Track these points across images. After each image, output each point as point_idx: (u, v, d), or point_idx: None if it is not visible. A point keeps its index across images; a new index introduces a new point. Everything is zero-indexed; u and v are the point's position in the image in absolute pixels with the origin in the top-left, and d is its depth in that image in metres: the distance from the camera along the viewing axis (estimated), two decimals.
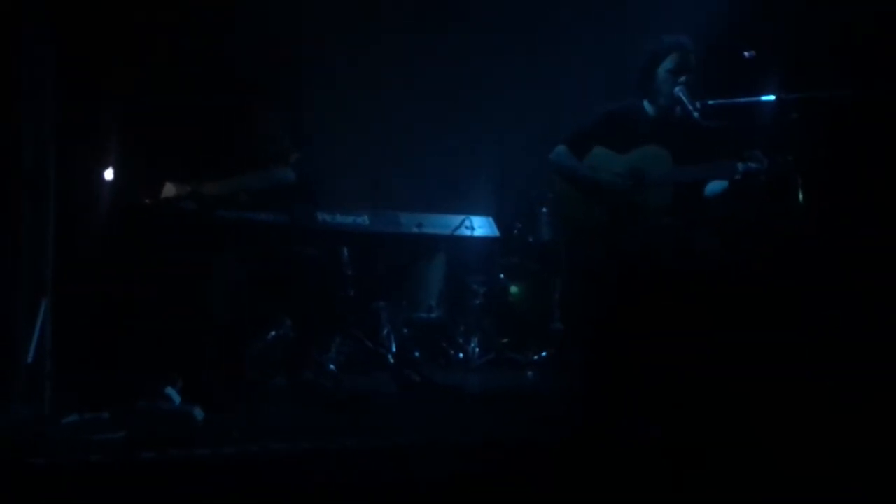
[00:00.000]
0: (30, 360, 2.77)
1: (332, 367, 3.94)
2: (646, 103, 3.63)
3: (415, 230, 3.94)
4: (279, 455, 2.50)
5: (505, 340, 4.81)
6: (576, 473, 2.53)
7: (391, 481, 2.55)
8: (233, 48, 4.05)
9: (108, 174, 3.53)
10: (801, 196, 3.09)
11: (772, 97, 3.17)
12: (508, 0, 5.18)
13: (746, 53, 3.39)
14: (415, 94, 5.10)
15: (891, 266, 3.44)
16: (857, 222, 3.41)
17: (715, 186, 3.44)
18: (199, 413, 2.99)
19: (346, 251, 4.25)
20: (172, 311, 3.28)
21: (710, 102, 3.38)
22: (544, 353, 4.64)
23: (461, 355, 4.80)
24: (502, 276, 5.01)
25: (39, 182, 2.86)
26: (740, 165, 3.25)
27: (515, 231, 5.16)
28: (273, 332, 3.88)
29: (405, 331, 4.60)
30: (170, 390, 3.12)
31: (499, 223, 4.97)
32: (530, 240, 5.12)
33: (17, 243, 2.87)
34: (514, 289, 5.06)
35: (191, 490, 2.37)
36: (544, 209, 4.94)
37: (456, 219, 4.16)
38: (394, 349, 4.41)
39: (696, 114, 3.36)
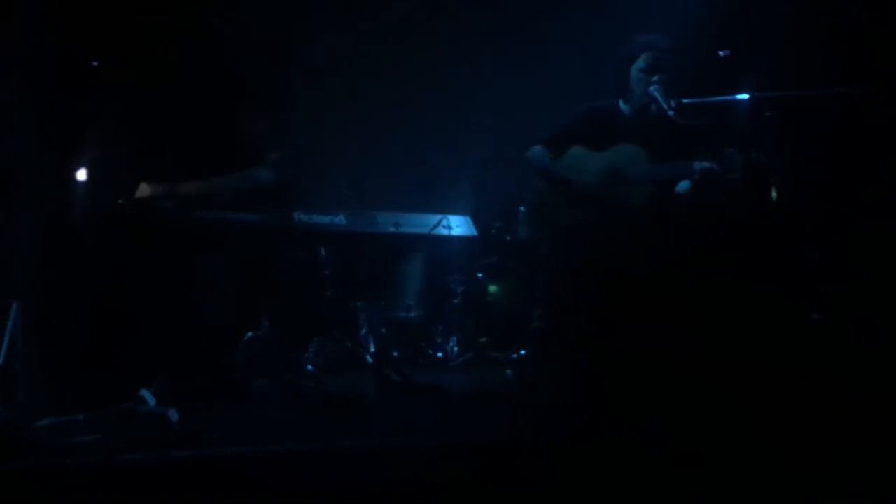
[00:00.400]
0: (0, 362, 2.74)
1: (310, 367, 3.92)
2: (621, 102, 3.65)
3: (392, 230, 3.93)
4: (257, 457, 2.49)
5: (483, 339, 4.81)
6: (556, 473, 2.53)
7: (371, 482, 2.54)
8: (213, 48, 4.02)
9: (81, 175, 3.48)
10: (774, 193, 3.12)
11: (746, 96, 3.19)
12: (487, 1, 5.19)
13: (722, 53, 3.41)
14: (393, 94, 5.10)
15: (868, 261, 3.48)
16: (832, 218, 3.45)
17: (682, 186, 3.47)
18: (174, 415, 2.96)
19: (323, 251, 4.24)
20: (149, 313, 3.25)
21: (686, 101, 3.39)
22: (523, 352, 4.65)
23: (440, 355, 4.80)
24: (481, 275, 5.01)
25: (13, 185, 2.82)
26: (696, 165, 3.28)
27: (494, 230, 5.16)
28: (250, 333, 3.87)
29: (384, 331, 4.60)
30: (145, 392, 3.09)
31: (477, 222, 4.97)
32: (508, 238, 5.12)
33: None
34: (492, 288, 5.06)
35: (169, 492, 2.35)
36: (522, 208, 4.95)
37: (433, 218, 4.16)
38: (372, 349, 4.41)
39: (671, 112, 3.37)
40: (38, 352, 3.01)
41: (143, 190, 3.56)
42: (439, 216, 4.15)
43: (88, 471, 2.33)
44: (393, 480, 2.55)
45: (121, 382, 3.07)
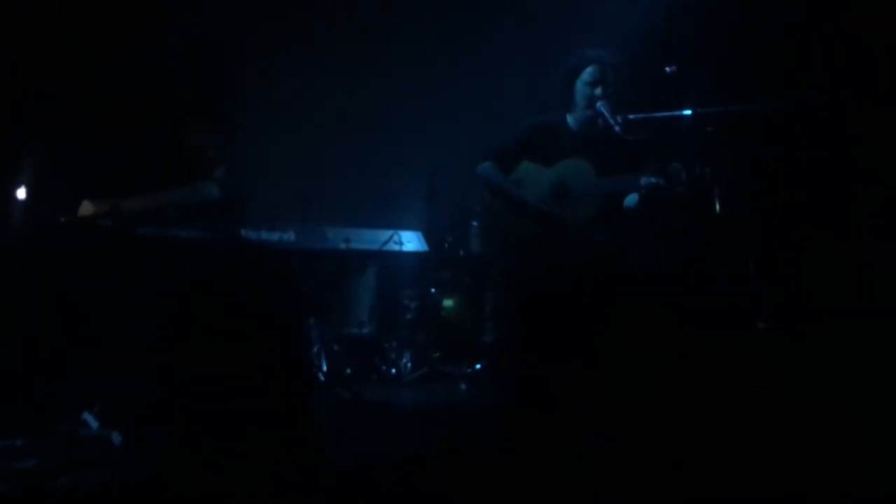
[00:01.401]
0: None
1: None
2: (569, 117, 3.68)
3: (342, 246, 3.91)
4: (197, 480, 2.44)
5: (437, 355, 4.79)
6: (506, 487, 2.52)
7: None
8: (157, 61, 3.96)
9: (21, 193, 3.40)
10: (717, 206, 3.17)
11: (688, 111, 3.24)
12: (436, 16, 5.21)
13: (668, 68, 3.46)
14: (343, 108, 5.09)
15: (813, 270, 3.55)
16: (776, 229, 3.51)
17: (630, 199, 3.51)
18: (116, 438, 2.90)
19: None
20: (90, 334, 3.17)
21: (631, 116, 3.44)
22: (478, 366, 4.64)
23: (394, 371, 4.77)
24: (434, 290, 5.00)
25: None
26: (643, 179, 3.33)
27: (447, 245, 5.16)
28: None
29: (336, 347, 4.55)
30: (87, 415, 3.02)
31: (430, 237, 4.97)
32: (462, 253, 5.13)
33: None
34: (447, 302, 5.05)
35: None
36: (475, 222, 4.96)
37: (384, 234, 4.14)
38: (324, 366, 4.36)
39: (617, 128, 3.41)
40: None
41: (86, 208, 3.48)
42: (390, 232, 4.14)
43: (22, 498, 2.25)
44: (334, 498, 2.52)
45: (60, 405, 2.98)
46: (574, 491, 2.47)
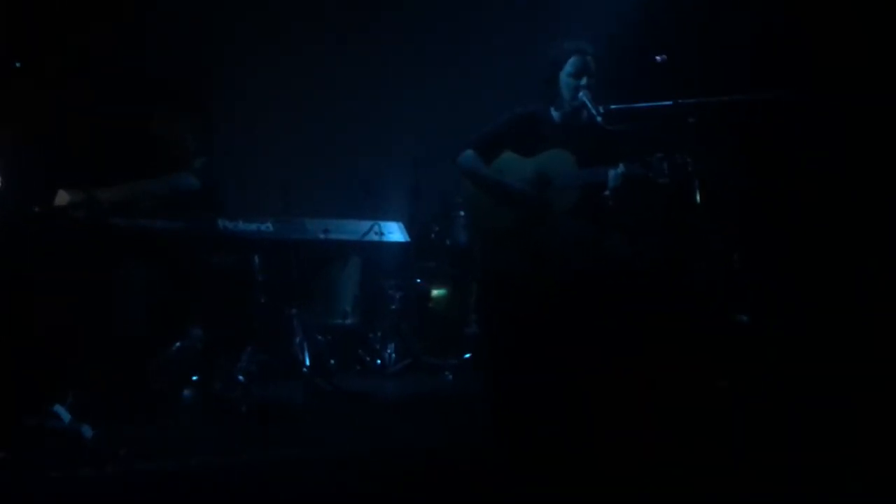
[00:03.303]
0: None
1: (241, 377, 3.84)
2: (552, 109, 3.65)
3: (321, 236, 3.86)
4: (165, 473, 2.42)
5: (421, 345, 4.76)
6: (487, 479, 2.50)
7: (288, 494, 2.49)
8: (135, 49, 3.92)
9: None
10: (698, 196, 3.14)
11: (669, 102, 3.21)
12: (422, 3, 5.16)
13: (658, 57, 3.42)
14: (327, 98, 5.04)
15: (793, 262, 3.53)
16: (756, 221, 3.48)
17: (611, 189, 3.47)
18: (87, 431, 2.87)
19: (256, 258, 4.16)
20: (62, 325, 3.14)
21: (613, 107, 3.41)
22: (467, 356, 4.60)
23: (378, 361, 4.74)
24: (419, 280, 4.97)
25: None
26: (624, 169, 3.30)
27: (432, 235, 5.13)
28: (178, 343, 3.76)
29: (320, 338, 4.52)
30: (58, 408, 2.98)
31: (415, 227, 4.93)
32: (448, 243, 5.09)
33: None
34: (437, 292, 5.02)
35: None
36: (461, 212, 4.92)
37: (364, 224, 4.10)
38: (307, 357, 4.33)
39: (599, 118, 3.39)
40: None
41: (62, 197, 3.44)
42: (370, 222, 4.09)
43: None
44: (311, 492, 2.49)
45: (32, 397, 2.95)
46: (548, 486, 2.45)
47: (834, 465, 2.40)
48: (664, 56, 3.42)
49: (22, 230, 3.23)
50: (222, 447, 2.87)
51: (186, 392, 3.61)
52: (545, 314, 3.24)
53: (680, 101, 3.18)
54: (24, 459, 2.55)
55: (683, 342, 3.15)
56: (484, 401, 3.49)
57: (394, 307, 4.83)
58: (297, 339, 4.37)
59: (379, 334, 4.81)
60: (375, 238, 4.04)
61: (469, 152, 3.66)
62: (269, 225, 3.73)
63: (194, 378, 3.64)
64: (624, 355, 3.07)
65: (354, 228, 4.07)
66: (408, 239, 4.30)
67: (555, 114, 3.64)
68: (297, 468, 2.64)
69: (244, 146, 4.61)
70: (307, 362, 4.26)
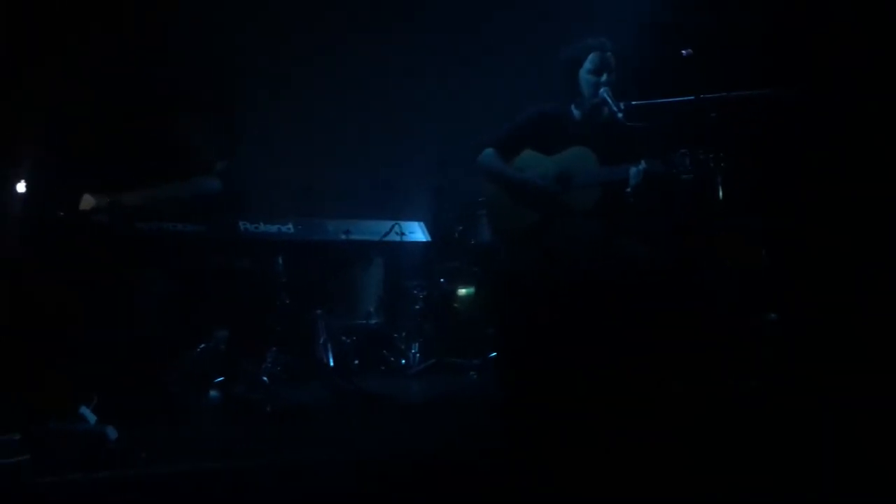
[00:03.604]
0: None
1: (265, 378, 3.86)
2: (572, 106, 3.62)
3: (342, 237, 3.87)
4: (183, 475, 2.43)
5: (444, 345, 4.75)
6: (498, 483, 2.49)
7: (310, 497, 2.49)
8: (156, 54, 3.95)
9: (21, 186, 3.41)
10: (721, 193, 3.09)
11: (691, 97, 3.16)
12: (447, 3, 5.14)
13: (684, 52, 3.37)
14: (349, 99, 5.05)
15: (817, 262, 3.46)
16: (778, 218, 3.42)
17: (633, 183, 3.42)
18: (112, 432, 2.89)
19: (280, 260, 4.17)
20: (87, 328, 3.18)
21: (634, 103, 3.37)
22: (492, 355, 4.57)
23: (403, 361, 4.74)
24: (442, 280, 4.96)
25: None
26: (646, 166, 3.25)
27: (456, 234, 5.11)
28: (202, 345, 3.79)
29: (344, 339, 4.53)
30: (84, 409, 3.02)
31: (439, 227, 4.92)
32: (472, 242, 5.07)
33: None
34: (464, 291, 4.99)
35: None
36: (483, 212, 4.89)
37: (385, 225, 4.10)
38: (331, 358, 4.34)
39: (620, 115, 3.35)
40: None
41: (87, 201, 3.50)
42: (391, 223, 4.09)
43: (9, 493, 2.26)
44: (328, 494, 2.49)
45: (57, 400, 2.99)
46: (566, 488, 2.43)
47: (860, 466, 2.34)
48: (690, 50, 3.37)
49: (47, 234, 3.29)
50: (243, 449, 2.88)
51: (213, 393, 3.64)
52: (559, 315, 3.20)
53: (702, 96, 3.12)
54: (48, 461, 2.57)
55: (704, 343, 3.10)
56: (498, 402, 3.47)
57: (417, 307, 4.82)
58: (321, 341, 4.38)
59: (403, 334, 4.81)
60: (396, 238, 4.04)
61: (489, 150, 3.64)
62: (290, 226, 3.74)
63: (218, 380, 3.67)
64: (642, 357, 3.03)
65: (375, 229, 4.07)
66: (429, 238, 4.29)
67: (575, 111, 3.61)
68: (314, 470, 2.63)
69: (267, 149, 4.63)
70: (331, 363, 4.27)
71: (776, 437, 2.61)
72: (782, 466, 2.44)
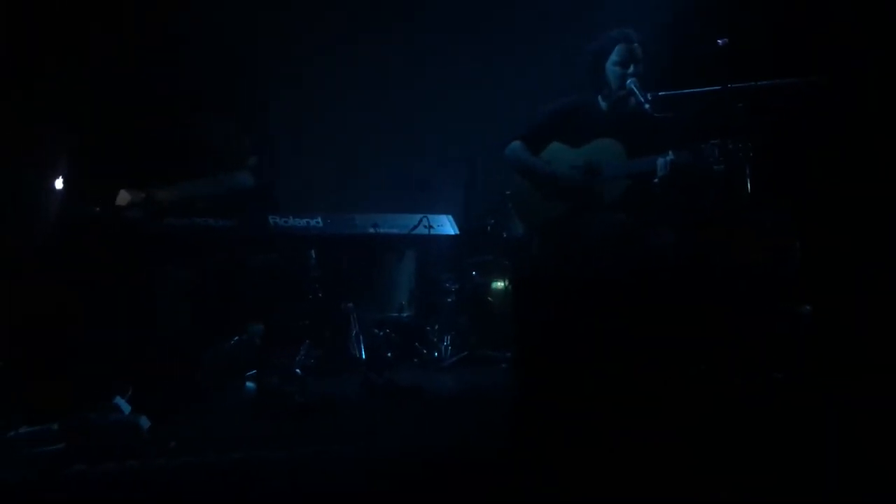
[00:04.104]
0: None
1: (297, 371, 3.91)
2: (599, 98, 3.59)
3: (370, 230, 3.90)
4: (211, 465, 2.49)
5: (477, 338, 4.76)
6: (513, 482, 2.48)
7: (333, 488, 2.52)
8: (188, 50, 4.03)
9: (59, 183, 3.51)
10: (749, 186, 3.04)
11: (717, 87, 3.11)
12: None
13: (720, 41, 3.32)
14: (380, 94, 5.07)
15: (846, 255, 3.38)
16: (808, 211, 3.34)
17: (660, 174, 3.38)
18: (144, 422, 2.97)
19: (313, 254, 4.23)
20: (121, 321, 3.27)
21: (661, 93, 3.33)
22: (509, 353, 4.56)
23: (436, 354, 4.76)
24: (474, 273, 4.96)
25: None
26: (673, 157, 3.21)
27: (488, 227, 5.11)
28: (236, 338, 3.87)
29: (377, 331, 4.57)
30: (119, 400, 3.10)
31: (471, 220, 4.93)
32: (504, 235, 5.06)
33: None
34: (498, 284, 4.99)
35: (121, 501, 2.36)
36: (510, 205, 4.88)
37: (413, 218, 4.12)
38: (363, 350, 4.39)
39: (646, 105, 3.31)
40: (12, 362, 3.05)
41: (123, 197, 3.58)
42: (419, 216, 4.11)
43: (41, 481, 2.34)
44: (354, 486, 2.52)
45: (93, 391, 3.08)
46: (589, 484, 2.42)
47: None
48: (726, 39, 3.31)
49: (82, 229, 3.38)
50: (272, 441, 2.92)
51: (250, 384, 3.71)
52: (587, 308, 3.17)
53: (729, 85, 3.07)
54: (83, 450, 2.65)
55: (734, 337, 3.05)
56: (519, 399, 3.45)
57: (450, 300, 4.84)
58: (354, 333, 4.43)
59: (436, 327, 4.83)
60: (424, 231, 4.06)
61: (516, 143, 3.64)
62: (319, 220, 3.79)
63: (251, 372, 3.74)
64: (671, 352, 2.99)
65: (403, 222, 4.10)
66: (457, 231, 4.30)
67: (602, 103, 3.58)
68: (339, 463, 2.66)
69: (298, 145, 4.68)
70: (363, 356, 4.32)
71: (809, 434, 2.56)
72: (819, 465, 2.39)
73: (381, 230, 3.93)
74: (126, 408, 3.11)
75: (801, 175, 3.43)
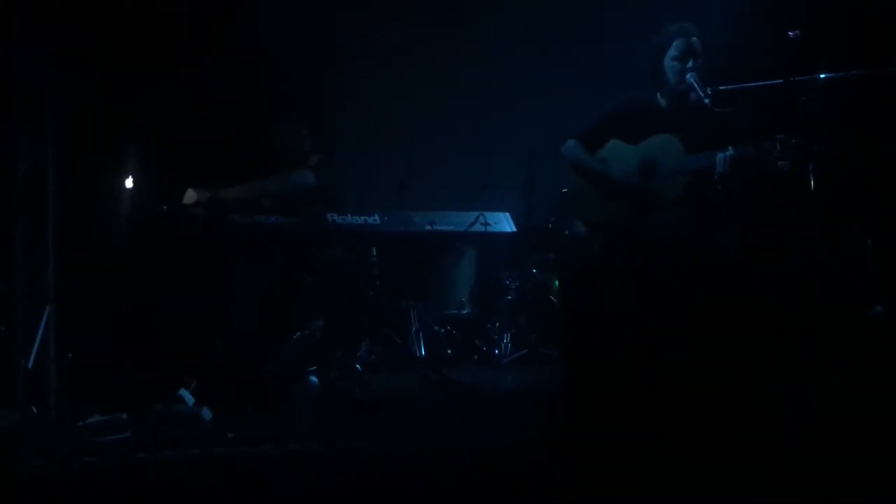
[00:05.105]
0: (30, 366, 2.90)
1: (357, 367, 3.97)
2: (658, 94, 3.54)
3: (427, 228, 3.93)
4: (266, 456, 2.55)
5: (534, 336, 4.74)
6: (561, 479, 2.47)
7: (385, 485, 2.55)
8: (252, 51, 4.13)
9: (129, 182, 3.66)
10: (812, 182, 2.94)
11: (779, 80, 3.02)
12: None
13: (791, 33, 3.23)
14: (442, 93, 5.10)
15: None
16: (880, 209, 3.22)
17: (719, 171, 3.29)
18: (207, 413, 3.08)
19: (374, 251, 4.29)
20: (186, 315, 3.38)
21: (722, 88, 3.25)
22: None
23: (496, 351, 4.77)
24: (535, 271, 4.95)
25: (36, 192, 2.99)
26: (734, 152, 3.13)
27: (550, 225, 5.08)
28: (299, 334, 3.95)
29: (437, 328, 4.60)
30: (183, 392, 3.22)
31: (532, 218, 4.92)
32: (566, 233, 5.02)
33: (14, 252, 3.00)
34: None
35: (180, 490, 2.44)
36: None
37: (470, 216, 4.13)
38: (423, 347, 4.42)
39: (706, 100, 3.24)
40: (74, 354, 3.18)
41: (190, 196, 3.71)
42: (476, 213, 4.12)
43: (103, 469, 2.44)
44: (407, 483, 2.55)
45: (158, 382, 3.19)
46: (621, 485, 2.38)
47: None
48: (797, 32, 3.22)
49: (151, 227, 3.52)
50: (328, 435, 2.97)
51: (313, 378, 3.79)
52: (650, 307, 3.12)
53: (792, 78, 2.98)
54: (149, 438, 2.76)
55: (803, 337, 2.96)
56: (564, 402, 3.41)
57: (510, 298, 4.84)
58: (413, 330, 4.47)
59: (496, 325, 4.84)
60: (481, 228, 4.07)
61: (572, 142, 3.61)
62: (377, 218, 3.84)
63: (312, 368, 3.81)
64: (737, 353, 2.92)
65: (460, 220, 4.11)
66: (514, 229, 4.30)
67: (661, 99, 3.52)
68: (389, 459, 2.69)
69: (360, 143, 4.75)
70: (422, 353, 4.35)
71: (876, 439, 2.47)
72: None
73: (438, 227, 3.96)
74: (190, 399, 3.22)
75: (871, 172, 3.30)
